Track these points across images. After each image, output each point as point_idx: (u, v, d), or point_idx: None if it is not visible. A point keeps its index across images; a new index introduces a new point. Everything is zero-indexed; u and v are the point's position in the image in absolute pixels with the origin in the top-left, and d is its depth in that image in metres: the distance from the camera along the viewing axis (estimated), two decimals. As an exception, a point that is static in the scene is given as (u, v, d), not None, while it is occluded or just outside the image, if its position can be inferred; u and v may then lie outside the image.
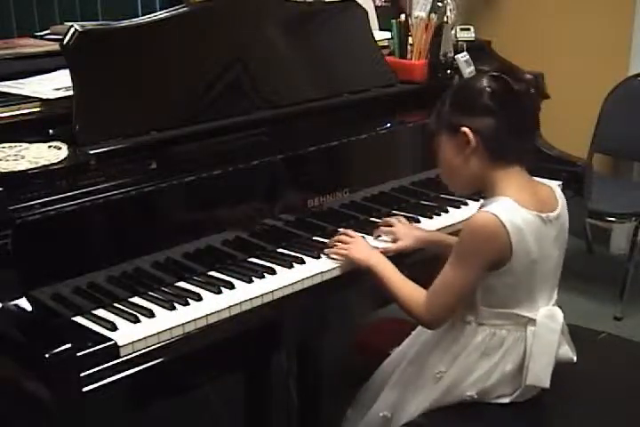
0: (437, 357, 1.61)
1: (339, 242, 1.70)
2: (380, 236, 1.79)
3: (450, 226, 1.88)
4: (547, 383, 1.55)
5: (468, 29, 2.27)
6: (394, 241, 1.76)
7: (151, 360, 1.36)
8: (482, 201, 1.57)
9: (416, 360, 1.65)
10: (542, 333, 1.55)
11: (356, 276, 1.66)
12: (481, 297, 1.55)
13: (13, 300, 1.31)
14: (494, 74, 1.53)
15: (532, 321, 1.55)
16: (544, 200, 1.56)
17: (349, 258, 1.65)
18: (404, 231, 1.78)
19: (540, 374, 1.54)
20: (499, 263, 1.50)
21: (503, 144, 1.52)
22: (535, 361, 1.54)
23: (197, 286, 1.55)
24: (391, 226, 1.81)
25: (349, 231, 1.75)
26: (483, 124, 1.51)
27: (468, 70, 2.14)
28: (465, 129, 1.51)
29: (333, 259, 1.66)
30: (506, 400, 1.58)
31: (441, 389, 1.58)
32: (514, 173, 1.55)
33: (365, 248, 1.68)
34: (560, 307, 1.60)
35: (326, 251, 1.68)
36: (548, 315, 1.56)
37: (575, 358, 1.63)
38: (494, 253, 1.49)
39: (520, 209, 1.49)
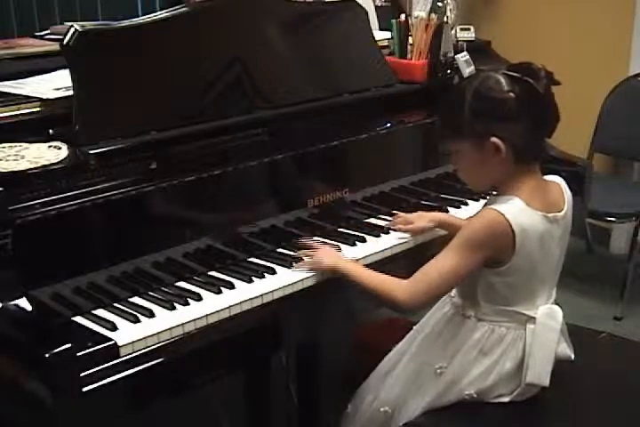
0: (437, 352, 1.61)
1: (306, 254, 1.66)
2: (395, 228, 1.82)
3: (450, 226, 1.88)
4: (546, 382, 1.55)
5: (468, 29, 2.27)
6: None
7: (151, 360, 1.36)
8: (490, 197, 1.57)
9: (417, 355, 1.66)
10: (542, 331, 1.55)
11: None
12: (482, 293, 1.55)
13: (13, 300, 1.31)
14: (513, 75, 1.48)
15: (532, 319, 1.55)
16: (553, 200, 1.56)
17: (317, 265, 1.61)
18: (418, 215, 1.82)
19: (539, 373, 1.54)
20: (498, 262, 1.51)
21: (529, 147, 1.51)
22: (535, 359, 1.54)
23: (197, 286, 1.55)
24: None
25: (314, 243, 1.71)
26: (510, 132, 1.48)
27: (467, 70, 2.14)
28: (495, 139, 1.48)
29: (303, 270, 1.61)
30: (505, 400, 1.58)
31: (441, 385, 1.59)
32: (530, 173, 1.54)
33: (332, 253, 1.66)
34: (560, 306, 1.61)
35: (295, 266, 1.62)
36: (547, 313, 1.56)
37: (573, 356, 1.64)
38: (495, 251, 1.49)
39: (528, 210, 1.50)
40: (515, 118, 1.48)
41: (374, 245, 1.75)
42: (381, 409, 1.68)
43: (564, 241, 1.59)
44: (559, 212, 1.55)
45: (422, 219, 1.80)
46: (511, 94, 1.47)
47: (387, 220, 1.87)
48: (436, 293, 1.54)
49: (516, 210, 1.49)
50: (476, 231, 1.50)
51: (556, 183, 1.61)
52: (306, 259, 1.64)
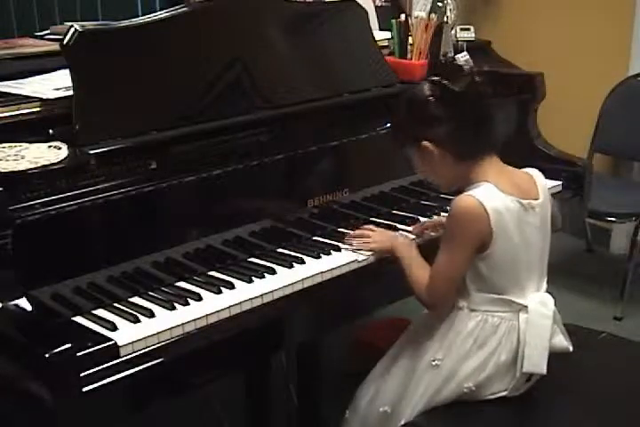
0: (433, 344, 1.63)
1: (360, 236, 1.73)
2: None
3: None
4: (543, 370, 1.57)
5: (468, 29, 2.28)
6: None
7: (151, 360, 1.36)
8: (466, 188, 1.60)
9: (413, 350, 1.67)
10: (535, 319, 1.57)
11: (356, 276, 1.66)
12: (470, 282, 1.59)
13: (13, 300, 1.31)
14: (432, 79, 1.59)
15: (524, 309, 1.58)
16: (522, 187, 1.60)
17: (373, 246, 1.69)
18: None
19: (536, 361, 1.56)
20: (482, 246, 1.54)
21: (463, 144, 1.57)
22: (530, 348, 1.57)
23: (197, 286, 1.55)
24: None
25: (371, 226, 1.79)
26: (438, 133, 1.56)
27: (467, 70, 2.14)
28: (425, 143, 1.57)
29: (358, 249, 1.70)
30: (502, 394, 1.60)
31: (439, 378, 1.60)
32: (487, 163, 1.60)
33: (388, 234, 1.74)
34: (559, 306, 1.61)
35: (351, 243, 1.71)
36: (539, 301, 1.59)
37: (571, 348, 1.65)
38: (477, 234, 1.53)
39: (499, 193, 1.54)
40: (439, 120, 1.56)
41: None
42: (381, 409, 1.69)
43: (544, 231, 1.63)
44: (534, 200, 1.59)
45: None
46: (431, 98, 1.56)
47: (387, 220, 1.87)
48: (448, 291, 1.59)
49: (487, 193, 1.53)
50: (455, 219, 1.56)
51: (525, 173, 1.66)
52: (364, 240, 1.71)
